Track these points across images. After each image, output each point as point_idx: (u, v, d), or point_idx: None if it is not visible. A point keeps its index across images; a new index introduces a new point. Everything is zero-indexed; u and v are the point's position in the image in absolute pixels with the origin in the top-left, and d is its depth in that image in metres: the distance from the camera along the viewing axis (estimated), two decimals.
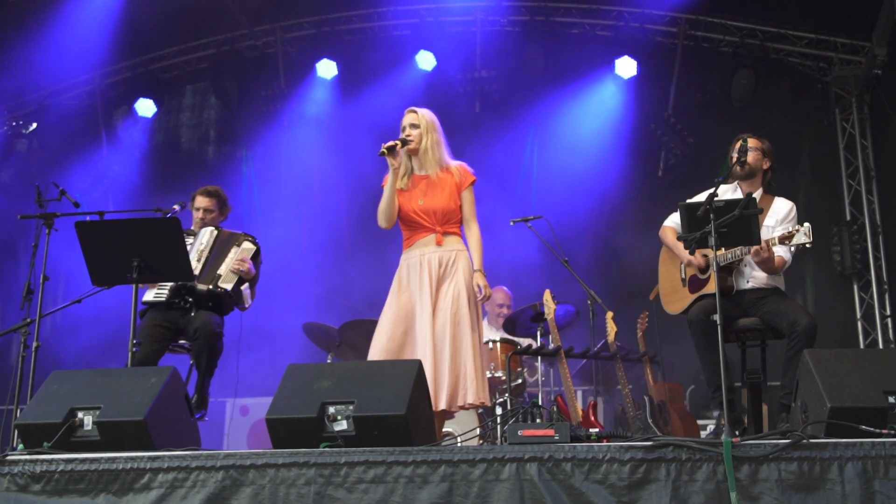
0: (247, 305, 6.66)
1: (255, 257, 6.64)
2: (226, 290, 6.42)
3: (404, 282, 5.69)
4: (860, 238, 10.17)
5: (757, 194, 5.83)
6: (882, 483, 3.62)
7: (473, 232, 5.86)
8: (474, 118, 11.09)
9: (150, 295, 6.44)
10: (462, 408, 5.57)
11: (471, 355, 5.57)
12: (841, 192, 10.44)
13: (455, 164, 5.89)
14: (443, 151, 5.84)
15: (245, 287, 6.56)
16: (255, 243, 6.69)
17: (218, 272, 6.46)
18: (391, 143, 5.69)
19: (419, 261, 5.68)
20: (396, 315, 5.60)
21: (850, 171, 10.46)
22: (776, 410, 5.63)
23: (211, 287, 6.39)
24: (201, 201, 6.77)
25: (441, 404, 5.38)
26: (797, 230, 5.29)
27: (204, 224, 6.73)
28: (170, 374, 4.72)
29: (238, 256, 6.55)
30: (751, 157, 5.82)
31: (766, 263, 5.57)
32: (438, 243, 5.71)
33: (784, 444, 3.72)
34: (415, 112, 5.85)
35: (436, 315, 5.57)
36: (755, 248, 5.40)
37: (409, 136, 5.75)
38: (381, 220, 5.74)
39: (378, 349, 5.51)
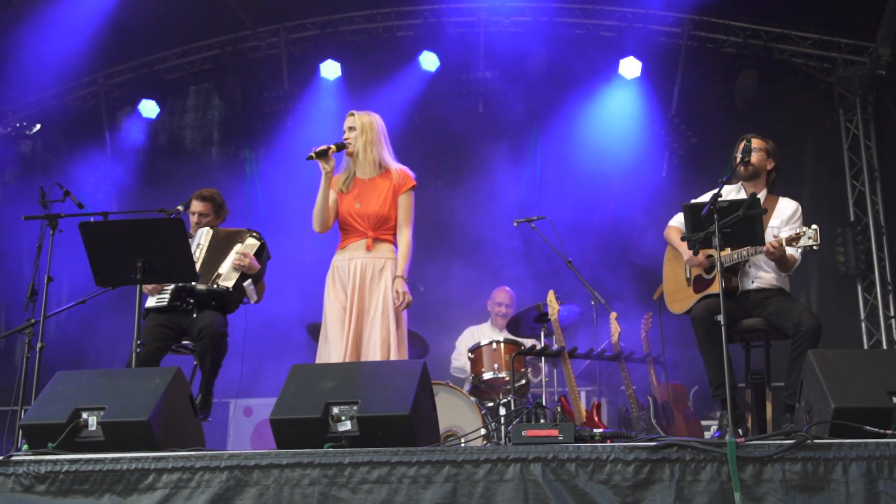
0: (254, 300, 6.61)
1: (260, 252, 6.59)
2: (227, 287, 6.38)
3: (335, 286, 5.76)
4: (864, 239, 10.15)
5: (761, 195, 5.83)
6: (886, 483, 3.62)
7: (403, 237, 5.83)
8: (477, 119, 11.09)
9: (151, 301, 6.44)
10: None
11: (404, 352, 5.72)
12: (845, 192, 10.43)
13: (396, 167, 5.89)
14: (379, 153, 5.85)
15: (248, 283, 6.52)
16: (259, 239, 6.64)
17: (218, 271, 6.44)
18: (322, 147, 5.71)
19: (347, 265, 5.75)
20: (329, 319, 5.72)
21: (854, 172, 10.44)
22: (780, 411, 5.62)
23: (210, 286, 6.36)
24: (196, 205, 6.77)
25: None
26: (804, 232, 5.29)
27: (199, 227, 6.72)
28: (174, 374, 4.72)
29: (240, 252, 6.51)
30: (755, 157, 5.82)
31: (781, 262, 5.58)
32: (368, 248, 5.74)
33: (788, 445, 3.72)
34: (353, 115, 5.92)
35: (361, 324, 5.64)
36: (768, 247, 5.39)
37: (347, 139, 5.79)
38: (315, 225, 5.83)
39: (323, 353, 5.65)
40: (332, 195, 5.81)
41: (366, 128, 5.81)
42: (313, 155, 5.69)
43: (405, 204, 5.83)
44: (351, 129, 5.82)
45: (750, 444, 3.76)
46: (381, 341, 5.56)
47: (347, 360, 5.53)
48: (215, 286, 6.36)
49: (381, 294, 5.67)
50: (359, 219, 5.74)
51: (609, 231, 10.65)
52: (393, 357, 5.60)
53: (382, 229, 5.79)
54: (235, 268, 6.43)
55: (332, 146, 5.74)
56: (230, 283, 6.40)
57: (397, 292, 5.69)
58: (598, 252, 10.37)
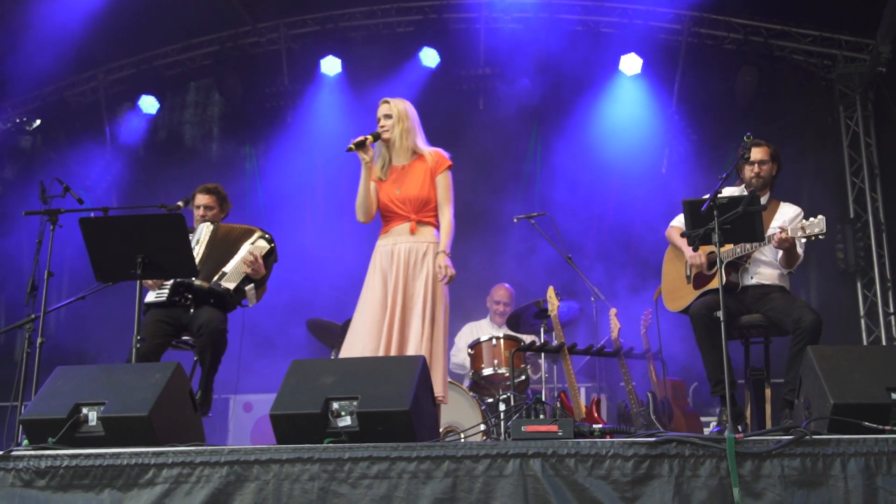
0: (252, 303, 6.58)
1: (268, 255, 6.53)
2: (227, 289, 6.36)
3: (377, 274, 5.70)
4: (864, 235, 10.17)
5: (763, 199, 5.86)
6: (885, 479, 3.63)
7: (445, 216, 5.82)
8: (478, 115, 11.10)
9: (151, 297, 6.43)
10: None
11: (441, 352, 5.65)
12: (845, 189, 10.43)
13: (430, 149, 5.89)
14: (415, 139, 5.84)
15: (250, 287, 6.47)
16: (269, 241, 6.57)
17: (223, 269, 6.42)
18: (360, 138, 5.71)
19: (391, 250, 5.70)
20: (370, 306, 5.64)
21: (854, 169, 10.45)
22: (780, 407, 5.63)
23: (211, 285, 6.34)
24: (201, 199, 6.75)
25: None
26: (811, 222, 5.32)
27: (204, 221, 6.71)
28: (174, 370, 4.72)
29: (248, 255, 6.45)
30: (764, 169, 5.87)
31: (790, 253, 5.59)
32: (412, 231, 5.72)
33: (787, 441, 3.73)
34: (387, 102, 5.87)
35: (408, 310, 5.60)
36: (777, 236, 5.41)
37: (382, 126, 5.78)
38: (358, 215, 5.79)
39: (355, 339, 5.56)
40: (372, 184, 5.80)
41: (402, 116, 5.80)
42: (353, 146, 5.68)
43: (443, 184, 5.82)
44: (387, 116, 5.80)
45: (749, 440, 3.76)
46: (423, 329, 5.54)
47: (386, 348, 5.49)
48: (217, 286, 6.33)
49: (423, 279, 5.65)
50: (400, 204, 5.73)
51: (609, 227, 10.66)
52: (437, 345, 5.61)
53: (424, 212, 5.77)
54: (241, 270, 6.42)
55: (370, 136, 5.73)
56: (232, 285, 6.37)
57: (440, 266, 5.67)
58: (598, 248, 10.38)
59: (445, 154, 5.90)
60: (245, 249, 6.47)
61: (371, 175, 5.80)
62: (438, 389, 5.45)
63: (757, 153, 5.85)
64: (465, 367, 8.26)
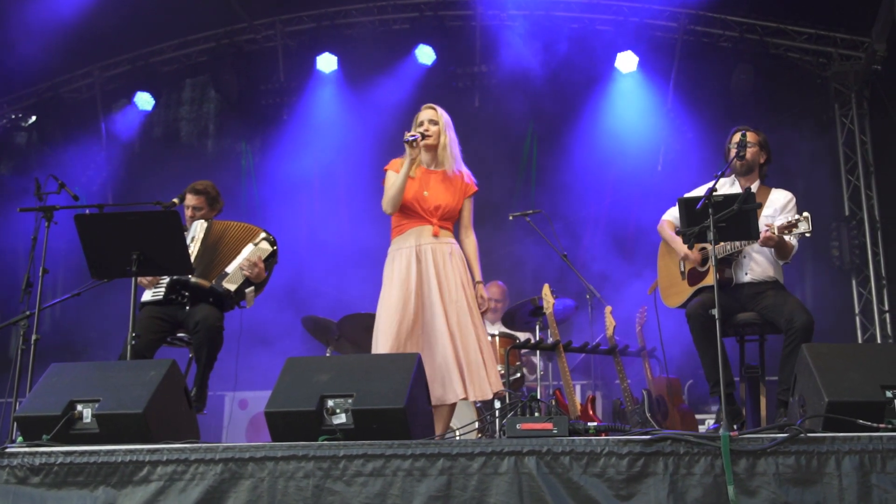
0: (249, 305, 6.56)
1: (270, 258, 6.50)
2: (228, 291, 6.34)
3: (402, 273, 5.66)
4: (859, 233, 10.18)
5: (754, 187, 5.85)
6: (879, 477, 3.63)
7: (472, 240, 5.93)
8: (474, 112, 11.11)
9: (147, 295, 6.41)
10: (495, 395, 5.66)
11: (488, 345, 5.69)
12: (840, 187, 10.45)
13: (465, 170, 5.96)
14: (455, 150, 5.89)
15: (251, 290, 6.43)
16: (272, 244, 6.52)
17: (225, 270, 6.39)
18: (416, 135, 5.69)
19: (416, 251, 5.67)
20: (398, 307, 5.59)
21: (850, 167, 10.46)
22: (774, 405, 5.64)
23: (213, 285, 6.32)
24: (189, 199, 6.70)
25: (470, 394, 5.49)
26: (798, 220, 5.31)
27: (194, 220, 6.68)
28: (169, 367, 4.72)
29: (251, 256, 6.40)
30: (749, 152, 5.83)
31: (781, 249, 5.59)
32: (435, 234, 5.72)
33: (782, 439, 3.73)
34: (434, 109, 5.89)
35: (447, 306, 5.59)
36: (763, 237, 5.41)
37: (427, 130, 5.77)
38: (390, 206, 5.71)
39: (386, 343, 5.50)
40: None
41: (448, 126, 5.85)
42: (411, 139, 5.67)
43: (469, 207, 5.91)
44: (433, 122, 5.81)
45: (743, 438, 3.77)
46: (472, 325, 5.57)
47: (449, 343, 5.50)
48: (219, 286, 6.31)
49: (458, 279, 5.66)
50: (426, 206, 5.72)
51: (604, 225, 10.66)
52: (485, 341, 5.63)
53: (445, 220, 5.79)
54: (243, 273, 6.40)
55: (419, 134, 5.72)
56: (233, 287, 6.33)
57: (482, 298, 5.77)
58: (594, 246, 10.38)
59: (475, 179, 5.97)
60: (248, 251, 6.44)
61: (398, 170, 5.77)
62: (497, 385, 5.56)
63: (745, 135, 5.84)
64: None
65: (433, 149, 5.83)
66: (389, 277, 5.70)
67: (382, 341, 5.52)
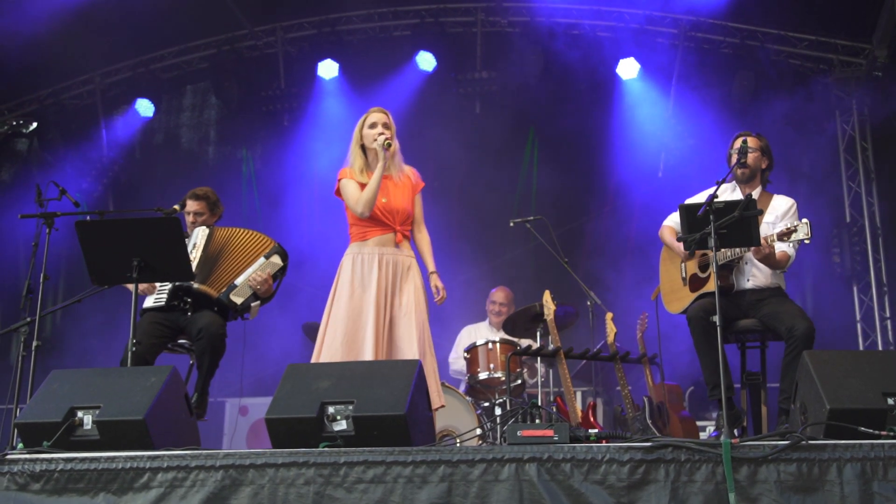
0: (252, 317, 6.52)
1: (280, 272, 6.45)
2: (235, 304, 6.30)
3: (358, 278, 5.68)
4: (860, 240, 10.18)
5: (756, 192, 5.85)
6: (881, 485, 3.62)
7: (425, 234, 5.98)
8: (474, 119, 11.11)
9: (149, 301, 6.40)
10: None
11: (434, 362, 5.74)
12: (841, 193, 10.45)
13: (409, 167, 5.99)
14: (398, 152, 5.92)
15: (256, 303, 6.39)
16: (284, 259, 6.45)
17: (234, 282, 6.35)
18: (389, 140, 5.71)
19: (377, 259, 5.69)
20: (350, 314, 5.62)
21: (850, 173, 10.47)
22: (776, 413, 5.63)
23: (220, 296, 6.30)
24: (190, 205, 6.69)
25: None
26: (796, 227, 5.30)
27: (195, 226, 6.66)
28: (170, 373, 4.71)
29: (262, 271, 6.35)
30: (751, 158, 5.83)
31: (768, 260, 5.58)
32: (398, 243, 5.76)
33: (783, 446, 3.72)
34: (386, 113, 5.93)
35: (397, 319, 5.63)
36: (755, 249, 5.41)
37: (383, 133, 5.78)
38: (366, 208, 5.67)
39: (333, 349, 5.53)
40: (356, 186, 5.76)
41: (393, 127, 5.88)
42: (387, 144, 5.69)
43: (420, 202, 5.97)
44: (386, 126, 5.82)
45: (745, 445, 3.76)
46: (418, 339, 5.57)
47: (377, 356, 5.51)
48: (227, 297, 6.28)
49: (412, 292, 5.69)
50: (387, 213, 5.74)
51: (605, 231, 10.66)
52: (428, 356, 5.63)
53: (405, 225, 5.83)
54: (251, 287, 6.34)
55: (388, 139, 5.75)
56: (240, 300, 6.30)
57: (436, 287, 5.80)
58: (595, 252, 10.38)
59: (419, 174, 6.01)
60: (258, 264, 6.38)
61: (353, 177, 5.79)
62: (434, 398, 5.48)
63: (746, 142, 5.84)
64: (463, 372, 8.24)
65: (390, 153, 5.83)
66: (344, 285, 5.71)
67: (327, 353, 5.55)
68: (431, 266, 5.91)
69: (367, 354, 5.51)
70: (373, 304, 5.60)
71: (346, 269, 5.76)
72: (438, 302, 5.83)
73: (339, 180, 5.83)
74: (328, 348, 5.59)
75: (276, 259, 6.46)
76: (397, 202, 5.78)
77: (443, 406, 5.80)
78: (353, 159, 5.87)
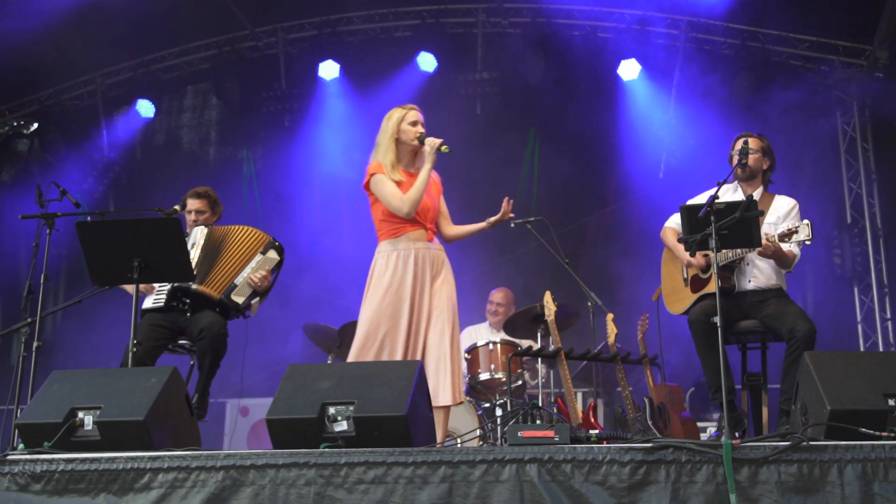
0: (252, 314, 6.54)
1: (276, 267, 6.50)
2: (237, 304, 6.32)
3: (397, 275, 5.62)
4: (861, 241, 10.19)
5: (757, 193, 5.85)
6: (882, 485, 3.62)
7: (454, 226, 6.03)
8: (475, 120, 11.10)
9: (148, 302, 6.41)
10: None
11: (460, 357, 5.75)
12: (842, 194, 10.44)
13: None
14: None
15: (256, 300, 6.42)
16: (280, 253, 6.51)
17: (234, 281, 6.37)
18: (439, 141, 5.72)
19: (413, 255, 5.64)
20: (386, 311, 5.57)
21: (851, 174, 10.46)
22: (776, 414, 5.62)
23: (221, 297, 6.30)
24: (192, 203, 6.69)
25: (452, 399, 5.47)
26: (796, 228, 5.29)
27: (196, 225, 6.67)
28: (170, 374, 4.72)
29: (261, 268, 6.39)
30: (751, 159, 5.83)
31: (779, 258, 5.58)
32: (430, 239, 5.74)
33: (784, 447, 3.72)
34: (420, 111, 5.88)
35: (431, 314, 5.60)
36: (763, 244, 5.40)
37: (423, 132, 5.77)
38: (414, 208, 5.62)
39: (368, 347, 5.51)
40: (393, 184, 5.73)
41: None
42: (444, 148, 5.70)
43: (443, 199, 5.98)
44: (423, 125, 5.82)
45: (746, 446, 3.76)
46: (450, 336, 5.58)
47: (413, 352, 5.53)
48: (229, 299, 6.29)
49: (445, 288, 5.68)
50: (422, 211, 5.70)
51: (606, 232, 10.66)
52: (456, 351, 5.64)
53: (433, 223, 5.82)
54: (250, 284, 6.36)
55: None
56: (242, 300, 6.33)
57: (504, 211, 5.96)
58: (595, 253, 10.38)
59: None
60: (256, 261, 6.42)
61: (389, 175, 5.72)
62: (456, 394, 5.52)
63: (747, 142, 5.84)
64: (464, 373, 8.24)
65: (419, 154, 5.82)
66: (380, 282, 5.65)
67: (373, 342, 5.52)
68: (482, 224, 6.00)
69: (399, 351, 5.49)
70: (407, 300, 5.56)
71: (381, 267, 5.69)
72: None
73: (372, 175, 5.73)
74: (364, 347, 5.53)
75: (273, 254, 6.50)
76: (430, 201, 5.77)
77: (461, 403, 5.82)
78: (384, 154, 5.78)
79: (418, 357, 5.52)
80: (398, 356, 5.48)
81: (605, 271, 10.00)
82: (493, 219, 5.94)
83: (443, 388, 5.48)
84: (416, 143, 5.75)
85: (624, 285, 9.69)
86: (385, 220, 5.74)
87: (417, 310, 5.59)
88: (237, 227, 6.61)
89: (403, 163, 5.81)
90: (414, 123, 5.80)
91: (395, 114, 5.87)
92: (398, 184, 5.68)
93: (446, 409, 5.55)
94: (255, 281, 6.35)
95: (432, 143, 5.69)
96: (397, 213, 5.64)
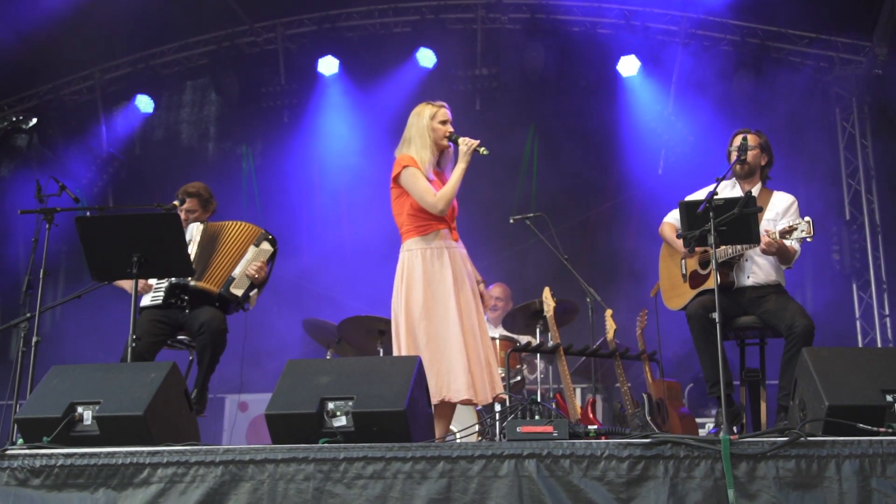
0: (251, 306, 6.55)
1: (271, 258, 6.51)
2: (237, 296, 6.34)
3: (436, 272, 5.53)
4: (860, 237, 10.19)
5: (756, 189, 5.85)
6: (879, 481, 3.63)
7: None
8: (475, 116, 11.10)
9: (146, 300, 6.40)
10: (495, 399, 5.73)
11: (494, 348, 5.89)
12: (841, 191, 10.45)
13: None
14: None
15: (255, 292, 6.44)
16: (273, 244, 6.52)
17: (231, 275, 6.39)
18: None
19: (447, 253, 5.58)
20: (433, 309, 5.48)
21: (850, 171, 10.47)
22: (775, 410, 5.63)
23: (221, 291, 6.32)
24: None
25: (490, 394, 5.50)
26: (797, 225, 5.29)
27: (188, 223, 6.67)
28: (169, 369, 4.72)
29: (256, 260, 6.41)
30: (750, 155, 5.83)
31: (781, 255, 5.58)
32: (455, 239, 5.71)
33: (782, 442, 3.73)
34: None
35: (474, 310, 5.61)
36: (763, 245, 5.40)
37: (453, 132, 5.75)
38: (447, 206, 5.57)
39: (421, 348, 5.40)
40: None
41: None
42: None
43: None
44: (452, 123, 5.79)
45: (744, 441, 3.77)
46: (485, 333, 5.64)
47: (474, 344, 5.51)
48: (228, 293, 6.30)
49: (474, 283, 5.70)
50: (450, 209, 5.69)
51: (605, 228, 10.66)
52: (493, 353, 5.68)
53: (454, 222, 5.78)
54: (248, 276, 6.38)
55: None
56: (240, 292, 6.35)
57: (485, 295, 5.92)
58: (595, 249, 10.38)
59: None
60: (251, 253, 6.44)
61: (424, 172, 5.65)
62: (497, 385, 5.56)
63: (746, 139, 5.84)
64: None
65: (445, 153, 5.80)
66: (422, 275, 5.53)
67: (424, 342, 5.42)
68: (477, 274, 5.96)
69: (455, 348, 5.40)
70: (452, 297, 5.49)
71: (418, 264, 5.55)
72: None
73: (405, 167, 5.60)
74: (413, 349, 5.43)
75: (266, 245, 6.52)
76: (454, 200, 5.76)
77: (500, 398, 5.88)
78: (418, 150, 5.69)
79: (472, 352, 5.45)
80: (453, 352, 5.39)
81: (603, 267, 10.00)
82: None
83: (497, 382, 5.57)
84: (444, 142, 5.72)
85: (623, 281, 9.70)
86: (414, 214, 5.61)
87: (464, 306, 5.54)
88: (230, 222, 6.62)
89: (438, 163, 5.81)
90: (444, 122, 5.77)
91: (427, 110, 5.83)
92: (432, 183, 5.64)
93: (453, 405, 5.56)
94: (252, 273, 6.38)
95: (469, 143, 5.64)
96: (431, 210, 5.55)
